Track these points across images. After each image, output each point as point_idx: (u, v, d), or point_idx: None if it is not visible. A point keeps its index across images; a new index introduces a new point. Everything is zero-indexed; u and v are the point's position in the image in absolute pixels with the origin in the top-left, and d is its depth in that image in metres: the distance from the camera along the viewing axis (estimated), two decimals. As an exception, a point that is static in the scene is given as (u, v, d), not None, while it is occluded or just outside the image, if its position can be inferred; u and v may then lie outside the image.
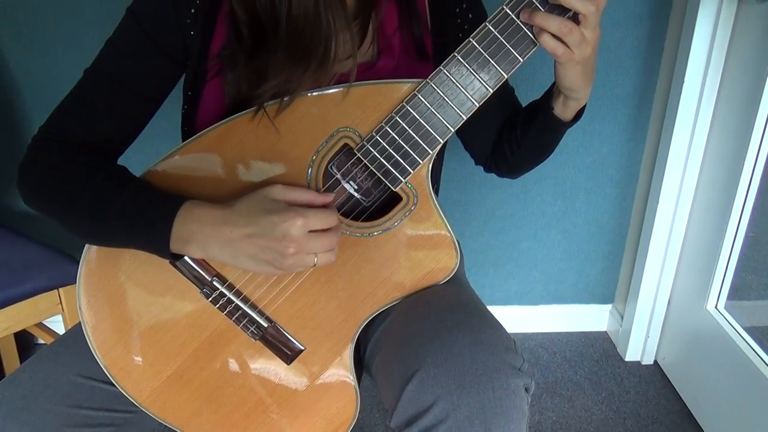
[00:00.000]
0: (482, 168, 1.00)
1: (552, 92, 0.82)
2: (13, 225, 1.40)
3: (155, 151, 0.79)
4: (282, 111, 0.75)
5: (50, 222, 0.77)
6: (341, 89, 0.75)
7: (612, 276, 1.75)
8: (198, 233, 0.71)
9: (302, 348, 0.81)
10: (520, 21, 0.70)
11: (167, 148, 0.78)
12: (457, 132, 0.91)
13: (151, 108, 0.83)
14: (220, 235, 0.71)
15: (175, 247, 0.72)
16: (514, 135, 0.89)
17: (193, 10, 0.78)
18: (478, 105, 0.73)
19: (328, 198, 0.75)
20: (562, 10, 0.68)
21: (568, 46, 0.69)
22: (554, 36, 0.69)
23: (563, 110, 0.82)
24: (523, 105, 0.92)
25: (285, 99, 0.74)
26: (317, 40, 0.73)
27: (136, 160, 0.82)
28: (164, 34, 0.79)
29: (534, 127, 0.85)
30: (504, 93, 0.90)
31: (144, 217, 0.72)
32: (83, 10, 1.36)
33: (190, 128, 0.85)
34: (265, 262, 0.71)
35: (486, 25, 0.70)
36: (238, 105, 0.77)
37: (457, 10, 0.86)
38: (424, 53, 0.85)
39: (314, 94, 0.75)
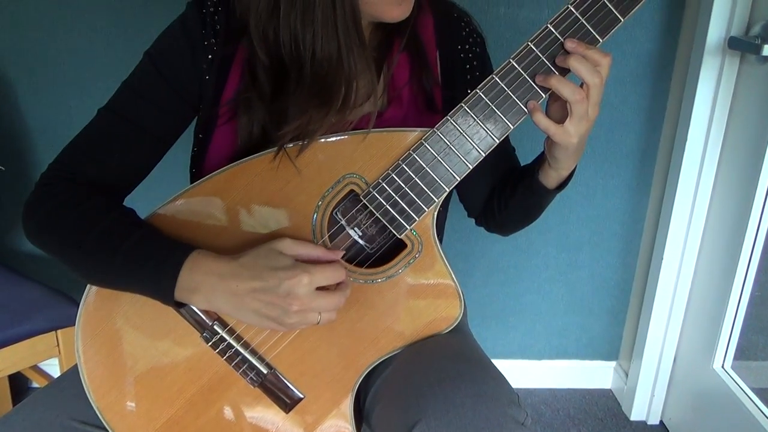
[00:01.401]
0: (474, 220, 1.00)
1: (540, 157, 0.84)
2: (14, 264, 1.40)
3: (162, 191, 0.80)
4: (302, 153, 0.76)
5: (52, 260, 0.77)
6: (349, 136, 0.76)
7: (616, 332, 1.73)
8: (204, 284, 0.71)
9: (301, 396, 0.79)
10: (526, 74, 0.71)
11: (175, 189, 0.78)
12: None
13: (161, 149, 0.84)
14: (226, 288, 0.70)
15: (179, 295, 0.72)
16: (503, 194, 0.90)
17: (210, 56, 0.80)
18: (484, 155, 0.74)
19: (337, 255, 0.75)
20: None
21: (570, 118, 0.71)
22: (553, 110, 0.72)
23: (545, 178, 0.83)
24: (523, 163, 0.93)
25: (305, 141, 0.75)
26: (339, 83, 0.75)
27: (143, 199, 0.82)
28: (180, 77, 0.80)
29: (520, 189, 0.86)
30: (504, 151, 0.92)
31: (151, 264, 0.72)
32: (98, 56, 1.39)
33: (198, 170, 0.86)
34: (269, 318, 0.71)
35: (493, 77, 0.71)
36: (250, 149, 0.78)
37: (467, 66, 0.88)
38: (432, 105, 0.86)
39: (321, 140, 0.76)
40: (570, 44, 0.69)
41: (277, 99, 0.78)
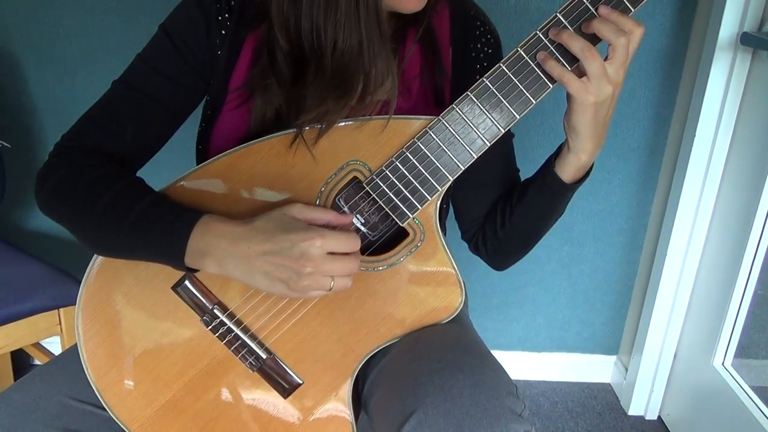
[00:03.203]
0: (467, 245, 0.97)
1: (556, 151, 0.81)
2: (18, 242, 1.40)
3: (167, 174, 0.79)
4: (319, 139, 0.75)
5: (56, 238, 0.77)
6: (354, 122, 0.75)
7: (617, 326, 1.73)
8: (215, 247, 0.70)
9: (300, 382, 0.79)
10: (534, 64, 0.70)
11: (179, 172, 0.78)
12: (452, 198, 0.91)
13: (174, 124, 0.84)
14: (237, 251, 0.69)
15: (190, 260, 0.71)
16: (509, 202, 0.86)
17: (223, 32, 0.80)
18: (489, 145, 0.73)
19: (348, 219, 0.75)
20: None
21: (587, 77, 0.69)
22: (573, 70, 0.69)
23: (561, 165, 0.79)
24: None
25: (322, 125, 0.75)
26: (358, 75, 0.74)
27: (148, 181, 0.82)
28: (194, 51, 0.80)
29: (531, 190, 0.83)
30: (508, 167, 0.90)
31: (161, 227, 0.71)
32: (105, 33, 1.38)
33: (204, 147, 0.86)
34: (280, 280, 0.69)
35: (500, 66, 0.71)
36: (261, 132, 0.78)
37: (478, 66, 0.86)
38: (441, 101, 0.85)
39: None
40: (604, 10, 0.67)
41: (295, 85, 0.77)
